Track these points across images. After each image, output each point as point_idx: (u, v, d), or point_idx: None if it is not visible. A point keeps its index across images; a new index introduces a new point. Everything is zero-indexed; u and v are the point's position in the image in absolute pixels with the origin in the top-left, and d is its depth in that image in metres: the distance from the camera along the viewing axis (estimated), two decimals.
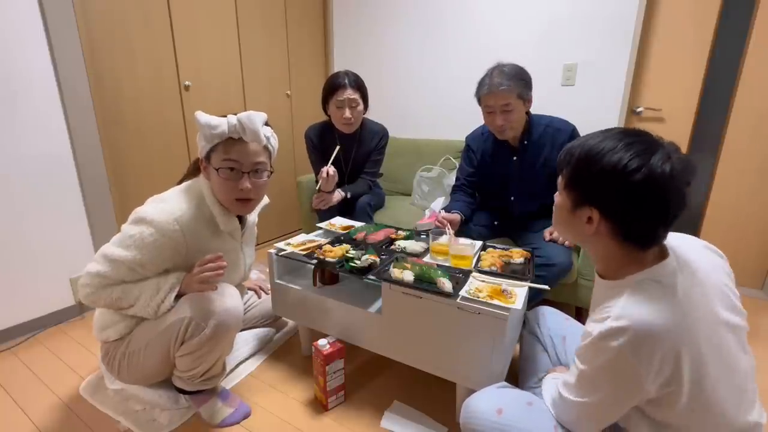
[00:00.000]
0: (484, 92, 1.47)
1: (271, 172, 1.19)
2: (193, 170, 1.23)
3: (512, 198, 1.69)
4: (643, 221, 0.69)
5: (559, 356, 1.11)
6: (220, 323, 1.07)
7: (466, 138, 1.80)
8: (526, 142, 1.59)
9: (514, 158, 1.62)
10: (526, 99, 1.49)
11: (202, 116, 1.04)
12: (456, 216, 1.60)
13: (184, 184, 1.18)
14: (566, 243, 1.50)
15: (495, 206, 1.77)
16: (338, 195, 1.90)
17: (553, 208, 0.83)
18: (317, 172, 1.91)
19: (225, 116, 1.07)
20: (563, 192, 0.78)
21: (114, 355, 1.16)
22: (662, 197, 0.66)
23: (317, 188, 1.85)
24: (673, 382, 0.67)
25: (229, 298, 1.12)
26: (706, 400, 0.69)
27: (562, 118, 1.60)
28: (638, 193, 0.66)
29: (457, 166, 1.88)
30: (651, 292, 0.68)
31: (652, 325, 0.65)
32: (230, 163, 1.07)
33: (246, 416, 1.25)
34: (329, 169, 1.79)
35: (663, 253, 0.74)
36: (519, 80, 1.44)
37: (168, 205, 1.08)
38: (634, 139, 0.68)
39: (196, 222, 1.10)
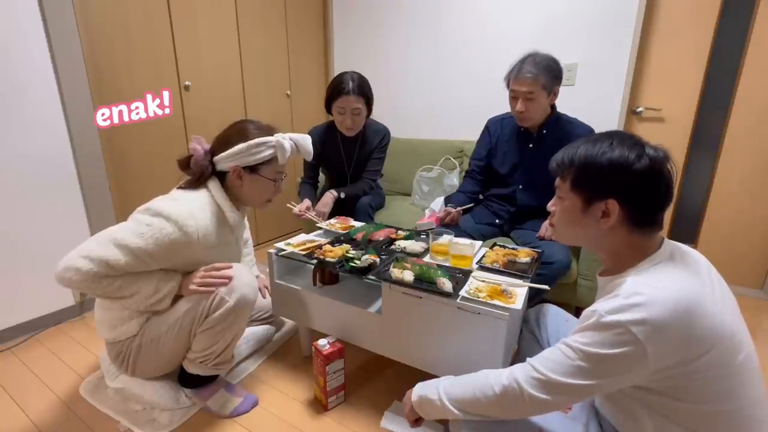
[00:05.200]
0: (512, 77, 1.54)
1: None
2: (201, 177, 1.19)
3: (520, 186, 1.71)
4: (653, 203, 0.74)
5: None
6: (241, 296, 1.14)
7: (488, 120, 1.84)
8: (545, 131, 1.63)
9: (530, 145, 1.66)
10: (551, 91, 1.53)
11: (287, 143, 1.19)
12: (451, 210, 1.68)
13: (189, 192, 1.17)
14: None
15: (499, 195, 1.78)
16: (330, 197, 1.88)
17: (557, 215, 0.84)
18: (306, 173, 2.07)
19: (271, 130, 1.20)
20: (571, 194, 0.79)
21: (128, 351, 1.17)
22: (665, 178, 0.73)
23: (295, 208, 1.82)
24: (690, 360, 0.65)
25: (245, 274, 1.19)
26: (733, 388, 0.68)
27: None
28: (647, 177, 0.72)
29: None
30: (659, 268, 0.71)
31: (667, 299, 0.64)
32: (281, 175, 1.26)
33: (254, 405, 1.29)
34: (306, 211, 1.79)
35: (660, 243, 0.78)
36: (548, 72, 1.49)
37: (183, 204, 1.10)
38: (619, 137, 0.76)
39: (207, 221, 1.13)
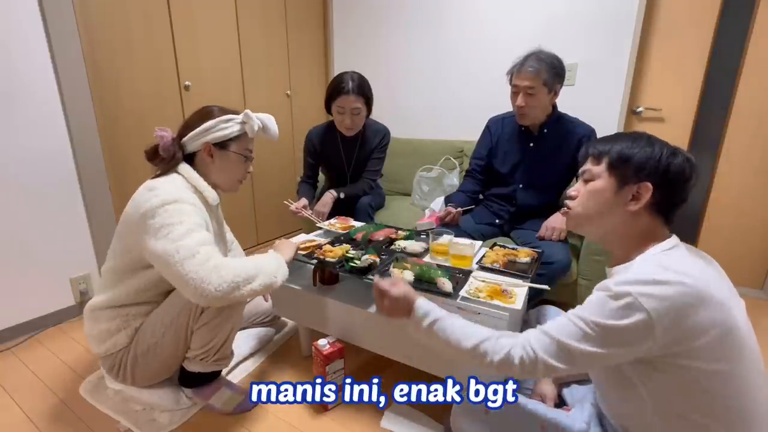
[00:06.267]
0: (515, 71, 1.54)
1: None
2: (172, 161, 1.18)
3: (520, 185, 1.71)
4: (680, 195, 0.78)
5: None
6: None
7: (489, 119, 1.84)
8: (546, 131, 1.63)
9: (531, 145, 1.66)
10: (552, 89, 1.53)
11: (255, 117, 1.20)
12: (451, 210, 1.68)
13: (163, 178, 1.16)
14: (561, 235, 1.52)
15: (500, 195, 1.78)
16: (330, 197, 1.89)
17: (581, 197, 0.85)
18: (305, 172, 2.07)
19: (237, 112, 1.21)
20: (605, 174, 0.82)
21: (124, 362, 1.17)
22: (692, 179, 0.78)
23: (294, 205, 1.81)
24: (693, 347, 0.67)
25: None
26: (740, 381, 0.69)
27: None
28: (681, 171, 0.76)
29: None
30: (669, 253, 0.74)
31: (678, 279, 0.67)
32: (249, 153, 1.25)
33: (256, 403, 1.28)
34: (302, 209, 1.78)
35: (669, 234, 0.80)
36: (550, 69, 1.49)
37: (166, 186, 1.08)
38: (654, 137, 0.81)
39: (191, 196, 1.13)
